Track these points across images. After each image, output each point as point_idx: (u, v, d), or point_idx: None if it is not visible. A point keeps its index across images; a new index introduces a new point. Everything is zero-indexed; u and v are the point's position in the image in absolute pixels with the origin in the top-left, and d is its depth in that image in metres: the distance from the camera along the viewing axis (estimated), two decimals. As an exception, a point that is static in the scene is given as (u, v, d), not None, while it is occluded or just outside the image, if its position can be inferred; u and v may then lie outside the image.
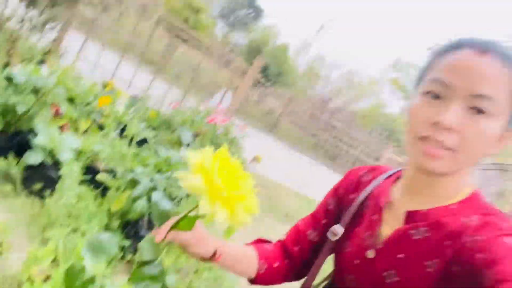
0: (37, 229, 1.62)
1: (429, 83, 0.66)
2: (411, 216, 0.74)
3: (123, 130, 2.79)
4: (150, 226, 1.86)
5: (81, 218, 1.73)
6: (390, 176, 0.87)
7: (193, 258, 0.84)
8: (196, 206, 0.80)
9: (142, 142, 2.91)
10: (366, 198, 0.86)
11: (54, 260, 1.39)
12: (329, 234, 0.88)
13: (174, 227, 0.77)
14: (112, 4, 5.69)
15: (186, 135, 2.60)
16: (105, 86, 3.66)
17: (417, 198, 0.74)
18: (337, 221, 0.90)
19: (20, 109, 1.73)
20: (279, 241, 0.99)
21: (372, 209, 0.83)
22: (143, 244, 0.76)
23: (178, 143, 2.68)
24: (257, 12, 29.29)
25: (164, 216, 0.84)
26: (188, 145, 2.50)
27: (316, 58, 27.82)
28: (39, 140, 1.74)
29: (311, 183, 6.30)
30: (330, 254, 0.90)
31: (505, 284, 0.55)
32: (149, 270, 0.90)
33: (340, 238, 0.88)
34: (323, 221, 0.94)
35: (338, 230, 0.86)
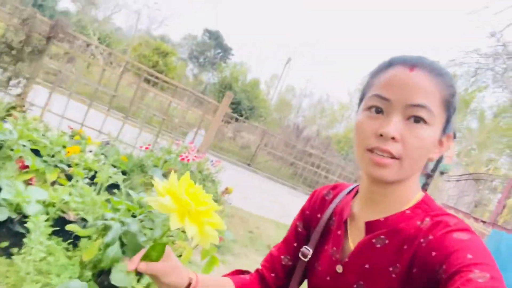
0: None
1: (370, 99, 0.72)
2: (370, 226, 0.78)
3: (93, 177, 2.76)
4: None
5: (52, 272, 1.68)
6: (351, 191, 0.91)
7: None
8: (166, 232, 0.84)
9: (114, 187, 2.88)
10: (331, 216, 0.89)
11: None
12: (300, 256, 0.90)
13: (145, 257, 0.77)
14: (78, 55, 5.74)
15: (158, 176, 2.60)
16: (73, 135, 3.64)
17: (375, 208, 0.78)
18: (306, 242, 0.93)
19: (-17, 166, 1.70)
20: (256, 270, 1.00)
21: (337, 225, 0.86)
22: (114, 273, 0.77)
23: (151, 185, 2.66)
24: (226, 51, 30.08)
25: (139, 248, 0.84)
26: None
27: (286, 90, 28.55)
28: (4, 195, 1.71)
29: (292, 212, 6.28)
30: (302, 275, 0.93)
31: (459, 274, 0.58)
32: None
33: (311, 258, 0.91)
34: (294, 244, 0.96)
35: (307, 251, 0.89)
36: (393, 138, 0.68)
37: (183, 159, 3.05)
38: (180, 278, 0.81)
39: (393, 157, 0.69)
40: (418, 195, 0.77)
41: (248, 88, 17.94)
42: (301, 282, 0.96)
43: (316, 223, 0.93)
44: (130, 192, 2.38)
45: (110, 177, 2.65)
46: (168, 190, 0.73)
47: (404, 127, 0.69)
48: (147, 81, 9.88)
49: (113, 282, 1.69)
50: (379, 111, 0.71)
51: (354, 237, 0.82)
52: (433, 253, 0.66)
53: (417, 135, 0.69)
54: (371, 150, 0.71)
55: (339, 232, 0.85)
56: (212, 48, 30.19)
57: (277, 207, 7.81)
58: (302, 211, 0.99)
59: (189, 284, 0.83)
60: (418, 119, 0.69)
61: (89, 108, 4.64)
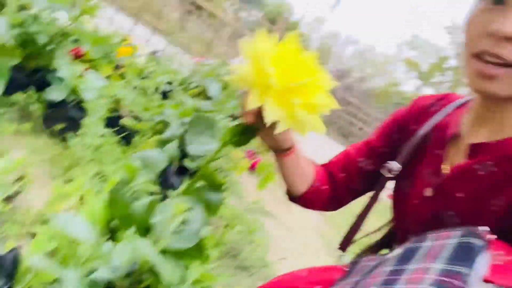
0: (59, 170, 1.48)
1: None
2: (475, 150, 0.63)
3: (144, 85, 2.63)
4: (181, 172, 1.72)
5: (105, 162, 1.59)
6: (462, 105, 0.74)
7: (265, 143, 0.72)
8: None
9: (164, 96, 2.75)
10: (431, 131, 0.74)
11: (81, 199, 1.25)
12: (383, 171, 0.77)
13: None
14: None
15: (214, 87, 2.43)
16: (122, 40, 3.48)
17: (485, 130, 0.63)
18: (394, 153, 0.79)
19: (41, 40, 1.57)
20: (322, 165, 0.88)
21: (436, 142, 0.71)
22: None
23: (203, 96, 2.51)
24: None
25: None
26: (212, 98, 2.34)
27: (330, 35, 27.20)
28: (61, 74, 1.59)
29: (321, 160, 6.16)
30: (381, 190, 0.79)
31: None
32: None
33: (399, 175, 0.77)
34: (380, 150, 0.82)
35: (394, 167, 0.75)
36: (509, 38, 0.51)
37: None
38: (289, 137, 0.71)
39: (506, 64, 0.53)
40: None
41: (289, 29, 17.19)
42: (376, 200, 0.82)
43: (409, 136, 0.77)
44: (184, 98, 2.24)
45: (162, 83, 2.51)
46: (254, 54, 0.54)
47: None
48: (189, 11, 9.50)
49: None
50: (498, 1, 0.53)
51: (454, 160, 0.68)
52: None
53: None
54: (478, 56, 0.55)
55: (437, 152, 0.70)
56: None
57: (308, 153, 7.66)
58: (396, 117, 0.82)
59: (290, 148, 0.73)
60: None
61: (136, 22, 4.46)
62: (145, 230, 0.75)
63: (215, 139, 0.76)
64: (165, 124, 1.66)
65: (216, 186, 0.80)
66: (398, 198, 0.78)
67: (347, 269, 0.80)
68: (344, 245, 0.85)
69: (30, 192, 1.22)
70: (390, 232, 0.89)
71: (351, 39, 26.70)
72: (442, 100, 0.78)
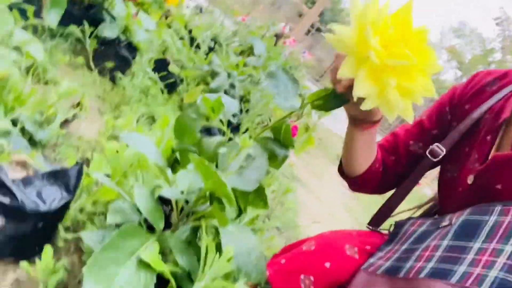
0: (108, 106, 1.50)
1: None
2: None
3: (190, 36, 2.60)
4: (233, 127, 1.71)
5: (152, 104, 1.60)
6: None
7: (349, 111, 0.67)
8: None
9: (209, 51, 2.72)
10: (485, 113, 0.69)
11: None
12: (428, 153, 0.73)
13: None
14: None
15: (259, 45, 2.38)
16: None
17: None
18: (445, 133, 0.74)
19: (98, -26, 1.55)
20: (377, 144, 0.83)
21: (488, 127, 0.67)
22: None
23: (248, 54, 2.47)
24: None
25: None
26: (259, 56, 2.29)
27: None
28: (116, 11, 1.58)
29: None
30: (424, 173, 0.76)
31: None
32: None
33: (446, 158, 0.72)
34: (432, 132, 0.77)
35: (439, 151, 0.71)
36: None
37: (280, 37, 2.78)
38: (379, 111, 0.66)
39: None
40: None
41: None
42: (416, 182, 0.77)
43: (462, 118, 0.72)
44: (231, 54, 2.20)
45: (207, 38, 2.48)
46: (360, 18, 0.48)
47: None
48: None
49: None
50: None
51: (503, 148, 0.64)
52: None
53: None
54: None
55: (488, 137, 0.66)
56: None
57: (341, 126, 7.56)
58: (449, 97, 0.77)
59: (377, 122, 0.69)
60: None
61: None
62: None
63: (297, 96, 0.73)
64: (212, 74, 1.64)
65: (286, 142, 0.77)
66: (444, 182, 0.75)
67: (391, 233, 0.77)
68: (375, 222, 0.82)
69: (82, 123, 1.24)
70: (433, 210, 0.85)
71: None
72: (504, 78, 0.71)
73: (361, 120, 0.66)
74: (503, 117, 0.65)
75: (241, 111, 1.72)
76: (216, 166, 0.71)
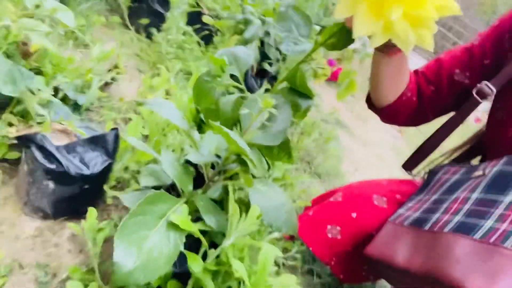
0: (145, 64, 1.53)
1: None
2: None
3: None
4: (261, 74, 1.69)
5: (188, 59, 1.61)
6: None
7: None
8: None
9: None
10: None
11: (168, 92, 1.29)
12: (475, 92, 0.66)
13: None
14: None
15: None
16: None
17: None
18: (499, 68, 0.66)
19: None
20: (414, 71, 0.76)
21: None
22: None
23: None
24: None
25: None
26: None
27: None
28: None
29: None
30: (469, 113, 0.70)
31: None
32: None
33: (496, 98, 0.67)
34: (483, 61, 0.69)
35: (488, 90, 0.65)
36: None
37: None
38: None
39: None
40: None
41: None
42: (459, 123, 0.71)
43: None
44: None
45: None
46: None
47: None
48: None
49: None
50: None
51: None
52: None
53: None
54: None
55: None
56: None
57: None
58: (502, 23, 0.68)
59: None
60: None
61: None
62: (231, 125, 0.75)
63: (308, 38, 0.69)
64: (246, 23, 1.59)
65: (304, 91, 0.75)
66: (493, 123, 0.69)
67: (424, 181, 0.74)
68: (410, 164, 0.78)
69: (122, 83, 1.28)
70: (476, 152, 0.79)
71: None
72: None
73: (387, 47, 0.58)
74: None
75: (278, 60, 1.67)
76: (240, 127, 0.71)
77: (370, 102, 0.78)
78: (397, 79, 0.69)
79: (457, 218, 0.55)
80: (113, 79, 1.18)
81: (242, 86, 0.77)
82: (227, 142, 0.63)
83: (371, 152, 2.34)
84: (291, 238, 0.90)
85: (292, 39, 0.74)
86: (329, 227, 0.72)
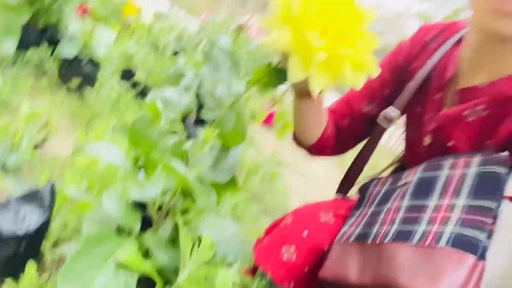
0: (79, 123, 1.49)
1: None
2: (466, 94, 0.60)
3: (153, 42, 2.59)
4: (199, 122, 1.72)
5: (124, 114, 1.60)
6: (459, 41, 0.68)
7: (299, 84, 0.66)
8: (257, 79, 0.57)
9: (174, 54, 2.71)
10: (431, 72, 0.69)
11: (105, 147, 1.26)
12: (380, 121, 0.73)
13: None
14: None
15: (224, 41, 2.38)
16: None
17: (483, 72, 0.59)
18: (397, 94, 0.74)
19: (48, -5, 1.54)
20: (329, 109, 0.82)
21: (436, 85, 0.67)
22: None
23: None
24: None
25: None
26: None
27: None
28: (72, 30, 1.57)
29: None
30: (380, 137, 0.76)
31: None
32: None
33: (407, 120, 0.75)
34: (383, 92, 0.77)
35: (392, 114, 0.71)
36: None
37: (242, 29, 2.79)
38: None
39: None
40: None
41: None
42: (374, 147, 0.79)
43: (410, 76, 0.72)
44: (197, 52, 2.20)
45: (171, 41, 2.47)
46: (287, 13, 0.44)
47: None
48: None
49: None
50: None
51: (452, 106, 0.64)
52: None
53: None
54: None
55: (437, 96, 0.66)
56: None
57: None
58: (398, 52, 0.76)
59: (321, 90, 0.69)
60: None
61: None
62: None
63: (239, 77, 0.72)
64: (178, 76, 1.64)
65: (237, 133, 0.76)
66: (407, 142, 0.77)
67: (359, 196, 0.79)
68: (343, 190, 0.83)
69: (53, 143, 1.24)
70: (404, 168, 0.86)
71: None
72: (443, 33, 0.72)
73: (305, 90, 0.63)
74: (448, 75, 0.66)
75: (217, 105, 1.73)
76: (187, 163, 0.72)
77: (298, 141, 0.82)
78: (319, 119, 0.74)
79: (394, 227, 0.58)
80: (45, 137, 1.14)
81: (179, 128, 0.79)
82: (174, 177, 0.63)
83: (317, 187, 2.42)
84: (252, 271, 0.88)
85: (226, 82, 0.76)
86: (284, 248, 0.72)
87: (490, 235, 0.47)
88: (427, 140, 0.67)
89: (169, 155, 0.76)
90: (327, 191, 2.46)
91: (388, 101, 0.75)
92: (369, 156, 0.79)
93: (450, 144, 0.62)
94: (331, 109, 0.82)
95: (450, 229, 0.50)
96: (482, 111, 0.58)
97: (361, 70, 0.48)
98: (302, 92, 0.66)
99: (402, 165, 0.86)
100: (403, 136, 0.82)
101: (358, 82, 0.48)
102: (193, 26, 3.28)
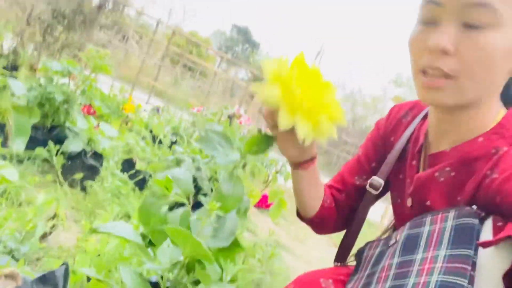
0: (83, 214, 1.54)
1: (422, 8, 0.59)
2: (434, 159, 0.68)
3: (152, 135, 2.76)
4: (198, 207, 1.78)
5: (126, 204, 1.66)
6: (426, 115, 0.79)
7: (287, 155, 0.75)
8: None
9: (171, 146, 2.86)
10: (407, 143, 0.79)
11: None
12: (368, 188, 0.82)
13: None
14: (127, 24, 5.83)
15: (216, 129, 2.55)
16: (124, 103, 3.68)
17: (445, 140, 0.68)
18: (378, 168, 0.84)
19: (58, 98, 1.70)
20: (326, 185, 0.91)
21: (412, 154, 0.77)
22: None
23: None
24: (254, 46, 29.88)
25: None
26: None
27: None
28: (78, 127, 1.71)
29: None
30: (370, 205, 0.84)
31: None
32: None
33: (389, 187, 0.83)
34: (370, 165, 0.87)
35: (377, 183, 0.80)
36: (444, 52, 0.55)
37: (233, 117, 3.00)
38: (313, 146, 0.74)
39: (446, 76, 0.56)
40: (498, 116, 0.63)
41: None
42: (365, 215, 0.87)
43: (390, 149, 0.83)
44: (192, 141, 2.35)
45: (168, 134, 2.64)
46: (277, 76, 0.60)
47: (460, 36, 0.55)
48: (184, 66, 9.99)
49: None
50: (431, 22, 0.58)
51: (425, 169, 0.72)
52: (497, 198, 0.55)
53: (476, 46, 0.54)
54: (423, 71, 0.59)
55: (413, 163, 0.75)
56: (240, 43, 30.06)
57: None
58: (377, 129, 0.88)
59: (313, 158, 0.77)
60: (477, 25, 0.53)
61: (133, 87, 4.73)
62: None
63: (234, 150, 0.82)
64: (177, 163, 1.75)
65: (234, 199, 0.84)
66: (394, 208, 0.83)
67: (356, 262, 0.84)
68: (340, 259, 0.88)
69: (60, 233, 1.28)
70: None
71: (338, 84, 27.69)
72: (413, 109, 0.83)
73: (300, 161, 0.74)
74: (419, 143, 0.75)
75: (211, 189, 1.81)
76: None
77: (300, 216, 0.89)
78: (315, 188, 0.82)
79: (388, 284, 0.62)
80: (52, 228, 1.19)
81: (187, 201, 0.86)
82: (182, 246, 0.69)
83: (314, 268, 2.38)
84: None
85: (222, 154, 0.85)
86: None
87: (471, 281, 0.51)
88: (409, 202, 0.73)
89: (177, 226, 0.82)
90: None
91: (375, 173, 0.83)
92: (362, 222, 0.85)
93: (428, 203, 0.68)
94: (327, 185, 0.89)
95: (435, 278, 0.54)
96: (450, 172, 0.65)
97: (334, 121, 0.61)
98: (296, 162, 0.75)
99: (395, 229, 0.92)
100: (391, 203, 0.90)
101: (331, 131, 0.61)
102: (186, 118, 3.50)
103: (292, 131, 0.61)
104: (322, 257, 2.67)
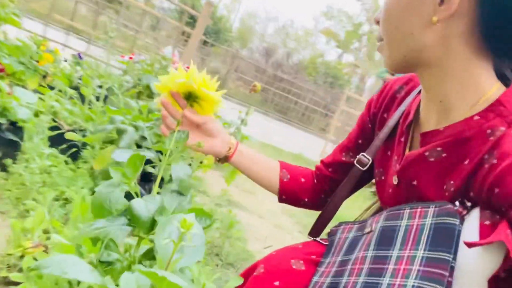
0: (8, 203, 1.29)
1: None
2: (425, 138, 0.65)
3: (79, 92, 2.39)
4: (147, 178, 1.60)
5: (60, 184, 1.43)
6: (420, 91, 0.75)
7: (204, 153, 0.84)
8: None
9: (104, 101, 2.53)
10: (399, 118, 0.76)
11: (46, 231, 1.10)
12: (356, 163, 0.81)
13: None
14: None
15: (155, 82, 2.28)
16: (38, 46, 3.13)
17: (434, 116, 0.64)
18: (370, 141, 0.82)
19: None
20: (315, 166, 0.93)
21: (401, 130, 0.73)
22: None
23: (145, 95, 2.35)
24: (181, -29, 27.49)
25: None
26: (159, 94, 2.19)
27: (248, 15, 27.23)
28: (-15, 95, 1.37)
29: (267, 138, 6.25)
30: (356, 184, 0.84)
31: None
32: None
33: (374, 164, 0.80)
34: (359, 141, 0.86)
35: (365, 159, 0.80)
36: (377, 21, 0.64)
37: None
38: (224, 138, 0.84)
39: (379, 39, 0.64)
40: (493, 92, 0.57)
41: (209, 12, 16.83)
42: (353, 191, 0.86)
43: (382, 126, 0.80)
44: (128, 100, 2.08)
45: (97, 88, 2.30)
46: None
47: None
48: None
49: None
50: None
51: (414, 147, 0.70)
52: (496, 190, 0.51)
53: (384, 6, 0.61)
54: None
55: (402, 139, 0.72)
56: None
57: (252, 132, 7.71)
58: (369, 105, 0.85)
59: (228, 155, 0.85)
60: None
61: (46, 25, 4.07)
62: (148, 229, 0.68)
63: None
64: (118, 132, 1.52)
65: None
66: (377, 185, 0.80)
67: (327, 244, 0.80)
68: (315, 232, 0.87)
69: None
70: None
71: (270, 17, 27.00)
72: (408, 83, 0.79)
73: (220, 157, 0.87)
74: (409, 119, 0.71)
75: (159, 159, 1.63)
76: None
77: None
78: (256, 169, 0.89)
79: (361, 279, 0.60)
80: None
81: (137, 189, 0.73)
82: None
83: (269, 223, 2.39)
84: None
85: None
86: None
87: (448, 287, 0.49)
88: (395, 180, 0.70)
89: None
90: (281, 226, 2.45)
91: (363, 150, 0.82)
92: (342, 199, 0.84)
93: (414, 182, 0.65)
94: (322, 161, 0.92)
95: (411, 282, 0.51)
96: (441, 153, 0.61)
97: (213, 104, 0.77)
98: (219, 158, 0.87)
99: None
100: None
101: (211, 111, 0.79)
102: (117, 66, 3.12)
103: (198, 129, 0.80)
104: (273, 209, 2.69)
